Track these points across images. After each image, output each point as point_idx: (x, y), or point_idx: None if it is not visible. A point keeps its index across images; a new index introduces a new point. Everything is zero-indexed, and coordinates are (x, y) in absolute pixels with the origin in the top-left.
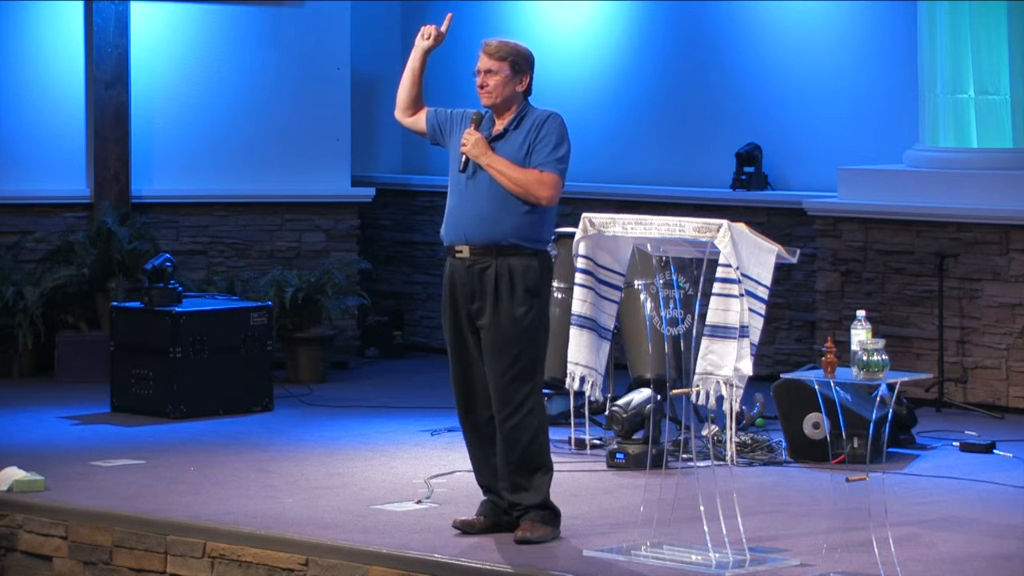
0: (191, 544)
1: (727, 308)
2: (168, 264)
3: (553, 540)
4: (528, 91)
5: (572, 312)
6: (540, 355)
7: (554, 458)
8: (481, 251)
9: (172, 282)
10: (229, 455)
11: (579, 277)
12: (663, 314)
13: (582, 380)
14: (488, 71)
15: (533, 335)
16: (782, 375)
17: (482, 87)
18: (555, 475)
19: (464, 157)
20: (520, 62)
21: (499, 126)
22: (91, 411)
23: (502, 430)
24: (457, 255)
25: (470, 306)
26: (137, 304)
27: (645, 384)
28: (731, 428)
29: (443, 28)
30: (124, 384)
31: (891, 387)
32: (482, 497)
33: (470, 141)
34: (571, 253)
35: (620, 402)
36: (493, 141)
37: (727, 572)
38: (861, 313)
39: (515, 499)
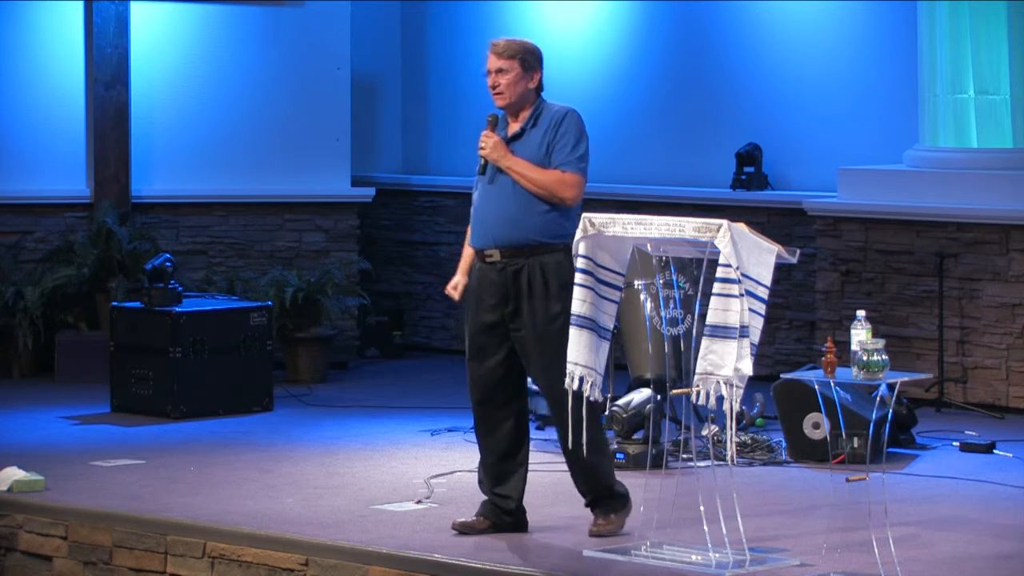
0: (191, 544)
1: (727, 308)
2: (168, 264)
3: (623, 528)
4: (540, 87)
5: (572, 312)
6: None
7: (554, 458)
8: (511, 252)
9: (172, 282)
10: (229, 455)
11: (579, 277)
12: (663, 314)
13: (581, 380)
14: (499, 71)
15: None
16: (782, 375)
17: (494, 87)
18: (555, 475)
19: (483, 160)
20: (529, 59)
21: (515, 126)
22: (91, 411)
23: (563, 427)
24: (488, 260)
25: (504, 309)
26: (137, 304)
27: (645, 384)
28: (731, 428)
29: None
30: (124, 384)
31: (891, 387)
32: (483, 497)
33: (488, 144)
34: (571, 253)
35: (620, 402)
36: (510, 141)
37: (727, 572)
38: (861, 313)
39: (584, 489)
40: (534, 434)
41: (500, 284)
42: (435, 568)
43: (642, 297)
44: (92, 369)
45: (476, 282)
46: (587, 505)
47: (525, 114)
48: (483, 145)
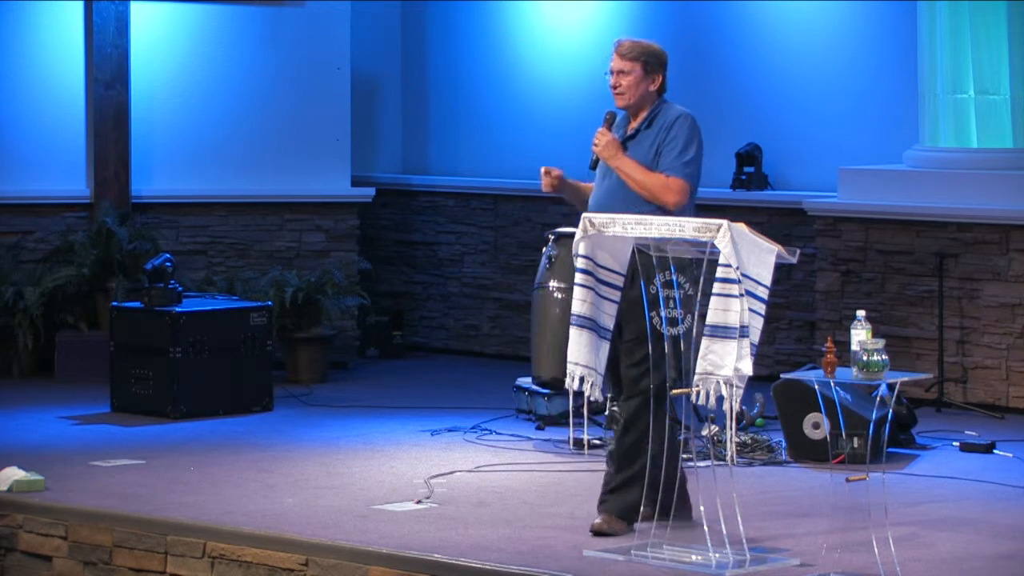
0: (191, 544)
1: (727, 308)
2: (168, 264)
3: (627, 533)
4: (662, 89)
5: (572, 312)
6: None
7: (553, 458)
8: None
9: (172, 282)
10: (229, 455)
11: (579, 277)
12: (663, 314)
13: (581, 380)
14: (620, 72)
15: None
16: (782, 375)
17: (615, 88)
18: (555, 475)
19: (594, 156)
20: (652, 61)
21: (633, 125)
22: (91, 411)
23: (624, 416)
24: None
25: None
26: (137, 304)
27: None
28: (731, 428)
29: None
30: (124, 384)
31: (891, 387)
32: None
33: (601, 142)
34: (571, 253)
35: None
36: (627, 141)
37: (727, 572)
38: (861, 313)
39: (609, 488)
40: (534, 434)
41: None
42: (435, 568)
43: None
44: (92, 369)
45: None
46: (603, 494)
47: (643, 115)
48: (596, 142)
